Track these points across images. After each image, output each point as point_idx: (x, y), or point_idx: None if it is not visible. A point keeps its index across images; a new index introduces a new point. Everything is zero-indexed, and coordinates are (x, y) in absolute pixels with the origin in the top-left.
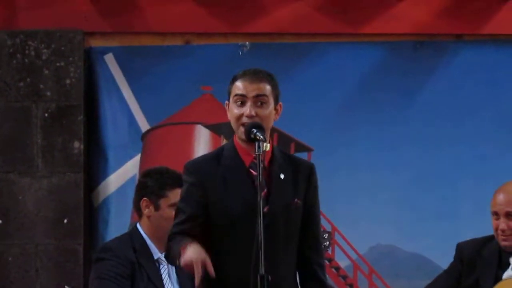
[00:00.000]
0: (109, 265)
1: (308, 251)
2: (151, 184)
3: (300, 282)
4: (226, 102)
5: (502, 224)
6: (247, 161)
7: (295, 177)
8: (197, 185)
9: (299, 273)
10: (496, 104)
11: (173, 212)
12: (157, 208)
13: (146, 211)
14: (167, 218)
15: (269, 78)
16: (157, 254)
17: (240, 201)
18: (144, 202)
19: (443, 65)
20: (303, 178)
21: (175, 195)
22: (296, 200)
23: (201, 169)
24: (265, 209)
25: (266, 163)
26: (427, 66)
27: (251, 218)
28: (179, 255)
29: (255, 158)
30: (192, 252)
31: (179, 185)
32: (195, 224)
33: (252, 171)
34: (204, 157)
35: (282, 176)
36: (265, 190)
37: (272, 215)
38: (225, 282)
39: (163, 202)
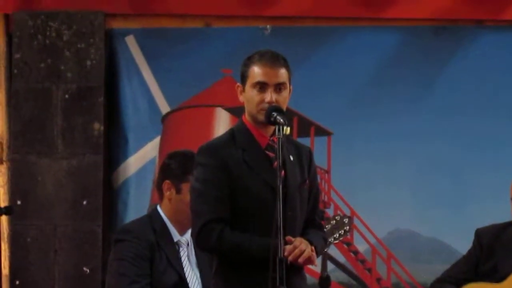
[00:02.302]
0: (129, 247)
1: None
2: (174, 167)
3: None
4: (238, 84)
5: None
6: (263, 143)
7: (300, 159)
8: (222, 168)
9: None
10: None
11: None
12: (178, 191)
13: (167, 194)
14: (188, 202)
15: (285, 62)
16: (177, 236)
17: (261, 183)
18: (166, 184)
19: (463, 50)
20: (306, 161)
21: None
22: (306, 180)
23: (222, 151)
24: (285, 190)
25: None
26: (447, 51)
27: (273, 199)
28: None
29: (270, 140)
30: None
31: None
32: (227, 207)
33: (268, 153)
34: (219, 140)
35: (291, 157)
36: (283, 171)
37: (290, 196)
38: (248, 264)
39: (185, 186)
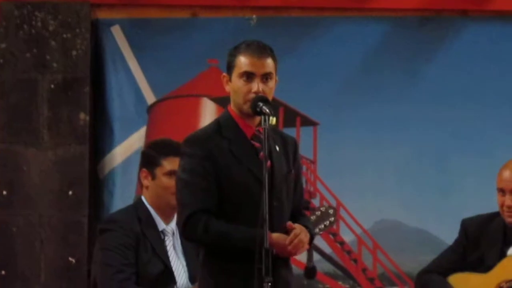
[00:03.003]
0: (114, 236)
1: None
2: (149, 154)
3: None
4: (224, 74)
5: (508, 200)
6: (248, 133)
7: (285, 150)
8: (208, 158)
9: None
10: (500, 80)
11: (170, 181)
12: (153, 177)
13: (145, 182)
14: (163, 187)
15: (271, 53)
16: (162, 225)
17: (248, 173)
18: (143, 172)
19: (448, 41)
20: (291, 152)
21: (170, 163)
22: (292, 171)
23: (208, 142)
24: (271, 181)
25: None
26: (432, 41)
27: (258, 189)
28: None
29: (256, 130)
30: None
31: (174, 153)
32: (213, 198)
33: (254, 143)
34: (205, 130)
35: (277, 148)
36: (269, 162)
37: (277, 186)
38: (234, 254)
39: (158, 171)
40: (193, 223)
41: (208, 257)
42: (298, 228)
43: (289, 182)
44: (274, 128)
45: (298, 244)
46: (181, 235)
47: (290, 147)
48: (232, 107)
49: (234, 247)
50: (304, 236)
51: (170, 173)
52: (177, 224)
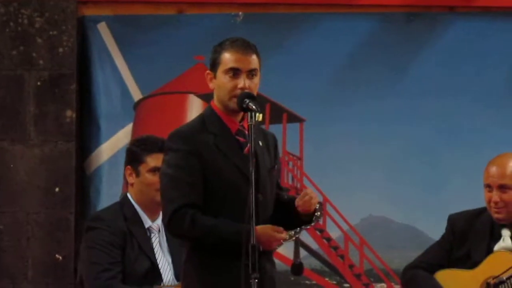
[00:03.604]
0: (100, 234)
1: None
2: (132, 152)
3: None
4: (208, 71)
5: (495, 196)
6: (233, 128)
7: (267, 145)
8: (194, 153)
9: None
10: (486, 76)
11: (154, 178)
12: (137, 174)
13: (130, 179)
14: (147, 183)
15: (256, 49)
16: (148, 222)
17: (233, 168)
18: (127, 170)
19: (435, 37)
20: (272, 147)
21: (154, 159)
22: (275, 166)
23: (193, 137)
24: (256, 176)
25: (246, 131)
26: (419, 38)
27: (246, 185)
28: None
29: (240, 125)
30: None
31: (158, 150)
32: (199, 193)
33: (239, 138)
34: (190, 126)
35: (260, 143)
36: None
37: (261, 181)
38: (220, 250)
39: (142, 168)
40: (179, 217)
41: (193, 252)
42: (308, 189)
43: (272, 176)
44: (257, 124)
45: (309, 198)
46: (166, 229)
47: (271, 142)
48: (215, 103)
49: (221, 241)
50: (311, 191)
51: (154, 170)
52: (162, 219)
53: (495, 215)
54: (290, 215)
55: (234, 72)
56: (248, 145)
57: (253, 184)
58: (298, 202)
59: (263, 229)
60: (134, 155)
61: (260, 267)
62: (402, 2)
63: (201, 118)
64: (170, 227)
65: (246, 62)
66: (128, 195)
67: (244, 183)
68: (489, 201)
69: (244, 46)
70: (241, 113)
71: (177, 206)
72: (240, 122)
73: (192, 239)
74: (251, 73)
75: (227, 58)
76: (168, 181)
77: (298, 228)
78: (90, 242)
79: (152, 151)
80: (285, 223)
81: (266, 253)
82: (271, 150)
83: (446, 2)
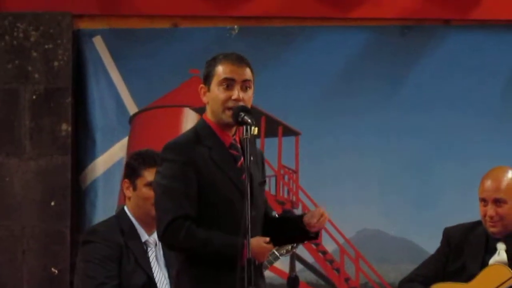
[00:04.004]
0: (96, 248)
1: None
2: (131, 165)
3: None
4: (202, 86)
5: (490, 210)
6: (226, 141)
7: (256, 159)
8: (189, 164)
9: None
10: (482, 89)
11: (150, 192)
12: (134, 188)
13: (127, 192)
14: (144, 198)
15: (249, 64)
16: (145, 236)
17: (228, 181)
18: (125, 183)
19: (430, 50)
20: (260, 162)
21: (151, 174)
22: (265, 181)
23: (189, 148)
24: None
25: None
26: (414, 51)
27: (238, 197)
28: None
29: (233, 139)
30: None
31: (156, 164)
32: (194, 205)
33: (232, 151)
34: (184, 137)
35: (252, 158)
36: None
37: (254, 195)
38: (214, 262)
39: (139, 182)
40: (175, 228)
41: (187, 264)
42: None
43: (262, 191)
44: (254, 138)
45: (324, 220)
46: (160, 240)
47: (259, 157)
48: (208, 117)
49: (214, 254)
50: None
51: (151, 184)
52: (157, 229)
53: (491, 229)
54: (282, 232)
55: (228, 83)
56: (242, 158)
57: (249, 199)
58: (310, 220)
59: (255, 241)
60: (131, 169)
61: (255, 282)
62: (396, 15)
63: (195, 131)
64: (164, 238)
65: (239, 73)
66: (125, 208)
67: (237, 197)
68: (484, 215)
69: (238, 59)
70: (234, 127)
71: (172, 217)
72: (233, 135)
73: (185, 251)
74: (244, 85)
75: (221, 70)
76: (163, 192)
77: (295, 243)
78: (86, 256)
79: (149, 165)
80: (276, 239)
81: (259, 269)
82: (259, 165)
83: (441, 15)
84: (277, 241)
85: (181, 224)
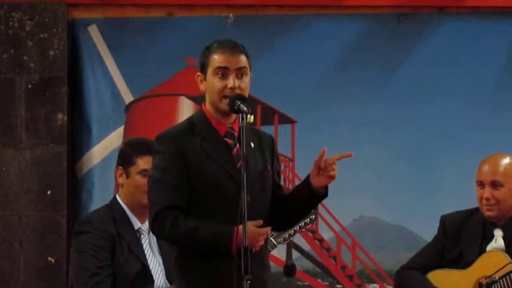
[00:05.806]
0: (89, 238)
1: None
2: (124, 153)
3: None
4: (199, 74)
5: (487, 192)
6: (221, 130)
7: (260, 146)
8: (180, 155)
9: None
10: (477, 77)
11: (143, 180)
12: (128, 175)
13: (120, 180)
14: (136, 185)
15: (244, 49)
16: (137, 224)
17: (219, 170)
18: (118, 170)
19: (425, 37)
20: (268, 149)
21: (144, 162)
22: (268, 167)
23: (179, 139)
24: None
25: (236, 133)
26: (409, 38)
27: (232, 186)
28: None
29: (229, 127)
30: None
31: (150, 152)
32: (183, 196)
33: (227, 140)
34: (177, 128)
35: (252, 144)
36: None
37: (250, 183)
38: (204, 252)
39: (132, 170)
40: (161, 219)
41: (180, 255)
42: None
43: (264, 178)
44: (250, 126)
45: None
46: (151, 231)
47: (266, 143)
48: (206, 106)
49: (202, 244)
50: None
51: (144, 172)
52: (148, 221)
53: (487, 213)
54: (295, 206)
55: (223, 72)
56: (237, 146)
57: (245, 187)
58: (320, 163)
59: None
60: (125, 156)
61: (251, 270)
62: (391, 3)
63: (190, 121)
64: (152, 229)
65: (233, 61)
66: (117, 196)
67: (230, 184)
68: (480, 198)
69: (232, 46)
70: (232, 115)
71: (159, 208)
72: (230, 124)
73: (174, 241)
74: (240, 72)
75: (216, 59)
76: (153, 183)
77: (292, 231)
78: (79, 247)
79: (143, 153)
80: (287, 220)
81: (259, 256)
82: (266, 152)
83: (436, 2)
84: (288, 222)
85: (166, 215)
